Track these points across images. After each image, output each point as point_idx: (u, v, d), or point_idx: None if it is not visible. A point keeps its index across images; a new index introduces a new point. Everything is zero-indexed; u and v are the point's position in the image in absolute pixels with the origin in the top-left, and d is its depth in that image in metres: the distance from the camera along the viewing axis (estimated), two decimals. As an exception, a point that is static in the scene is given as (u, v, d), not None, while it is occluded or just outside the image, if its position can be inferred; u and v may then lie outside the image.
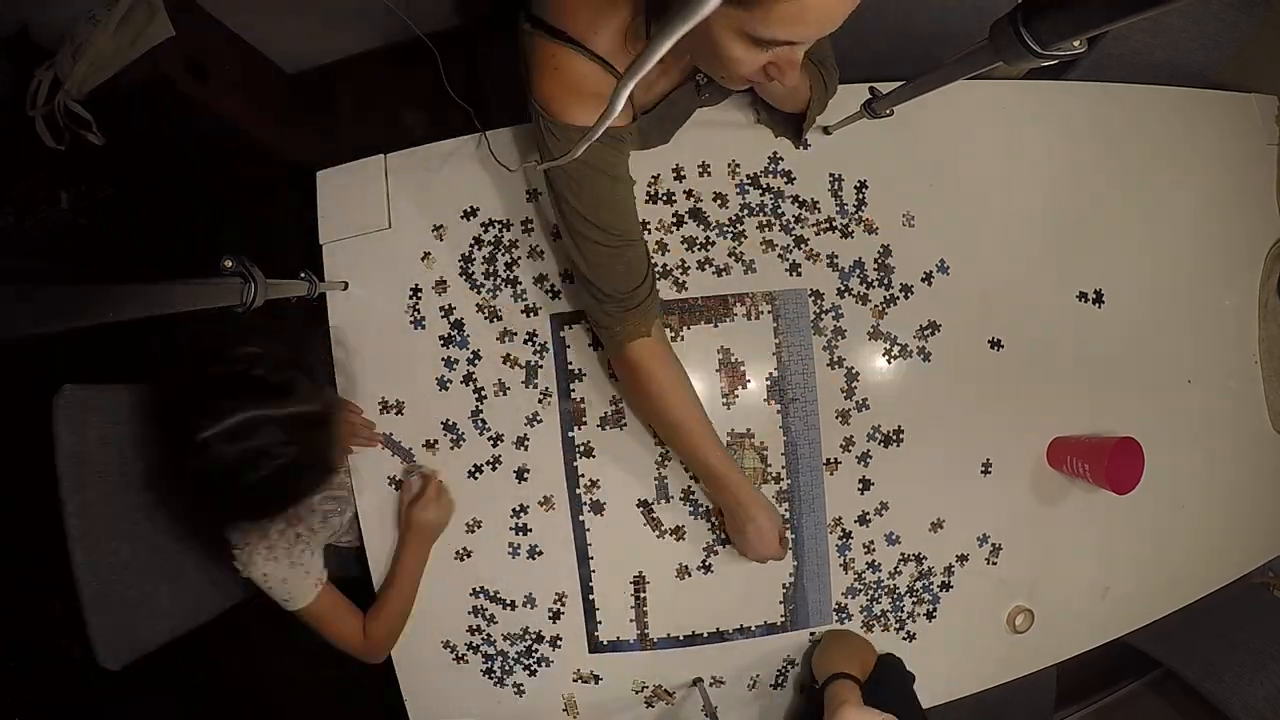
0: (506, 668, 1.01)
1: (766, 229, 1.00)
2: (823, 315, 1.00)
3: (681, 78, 0.86)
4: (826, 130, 1.00)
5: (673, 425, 0.88)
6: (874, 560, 1.02)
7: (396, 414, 0.99)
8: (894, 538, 1.02)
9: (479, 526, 0.99)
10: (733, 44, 0.60)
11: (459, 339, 0.99)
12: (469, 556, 0.99)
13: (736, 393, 1.00)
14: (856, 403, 1.00)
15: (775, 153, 1.00)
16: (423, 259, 0.99)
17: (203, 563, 0.98)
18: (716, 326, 0.99)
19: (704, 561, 1.00)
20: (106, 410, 0.90)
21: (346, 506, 1.00)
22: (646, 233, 0.99)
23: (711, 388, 0.99)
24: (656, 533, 1.00)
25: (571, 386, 0.99)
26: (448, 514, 0.98)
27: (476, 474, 0.99)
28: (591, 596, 1.00)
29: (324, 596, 0.93)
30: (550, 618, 1.00)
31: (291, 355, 0.80)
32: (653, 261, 0.90)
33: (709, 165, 0.99)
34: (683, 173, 0.99)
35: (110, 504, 0.88)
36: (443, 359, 0.99)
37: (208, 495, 0.78)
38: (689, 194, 0.99)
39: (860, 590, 1.02)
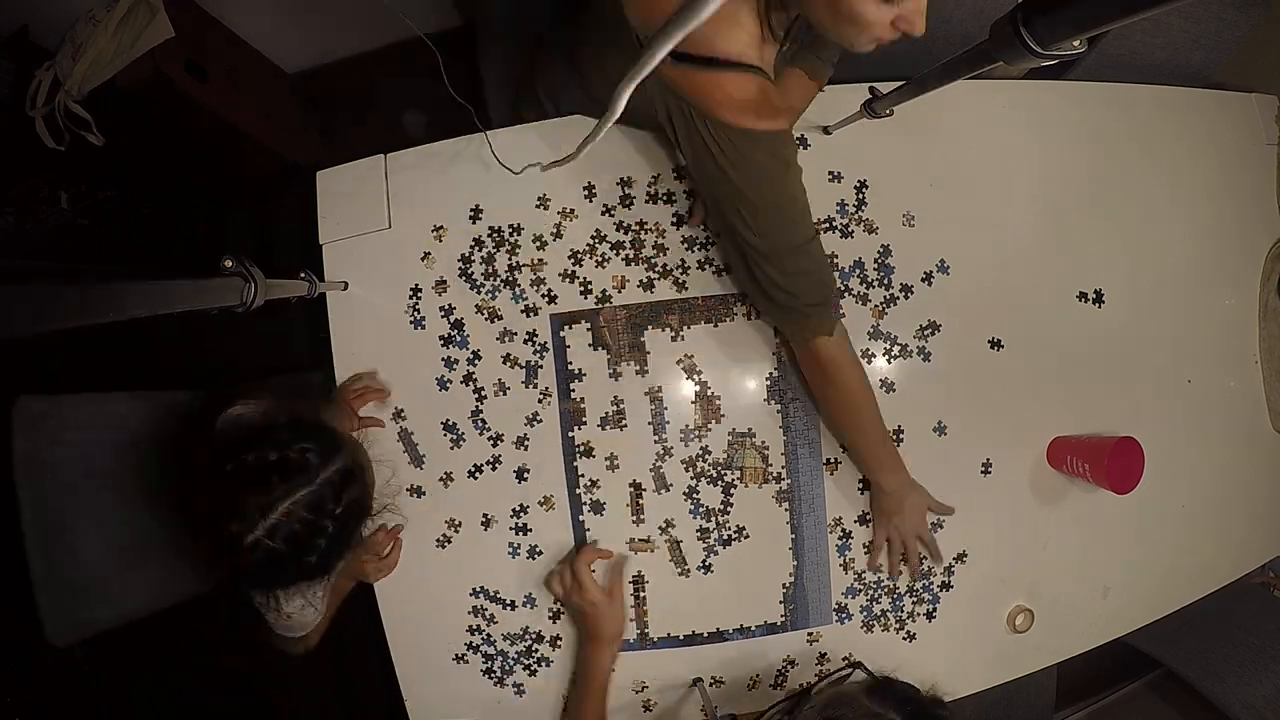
0: (506, 668, 1.01)
1: (766, 229, 1.00)
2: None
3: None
4: (826, 130, 1.00)
5: (853, 413, 0.92)
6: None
7: (398, 418, 0.99)
8: (894, 538, 1.02)
9: (479, 526, 0.99)
10: (865, 5, 0.62)
11: (459, 339, 0.99)
12: (469, 558, 0.99)
13: (734, 394, 1.00)
14: (856, 403, 1.00)
15: (775, 153, 1.00)
16: (423, 259, 0.99)
17: (162, 555, 1.01)
18: (716, 326, 0.99)
19: (704, 561, 1.00)
20: (61, 419, 0.96)
21: None
22: (647, 232, 0.99)
23: (712, 389, 1.00)
24: (656, 532, 1.00)
25: (571, 386, 0.99)
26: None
27: (476, 474, 0.99)
28: (591, 596, 1.00)
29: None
30: (550, 618, 1.00)
31: (293, 414, 0.78)
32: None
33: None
34: (683, 173, 0.99)
35: (63, 500, 0.95)
36: (443, 359, 0.99)
37: (271, 578, 0.78)
38: (689, 194, 0.99)
39: (860, 590, 1.02)
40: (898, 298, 1.01)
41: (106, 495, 0.97)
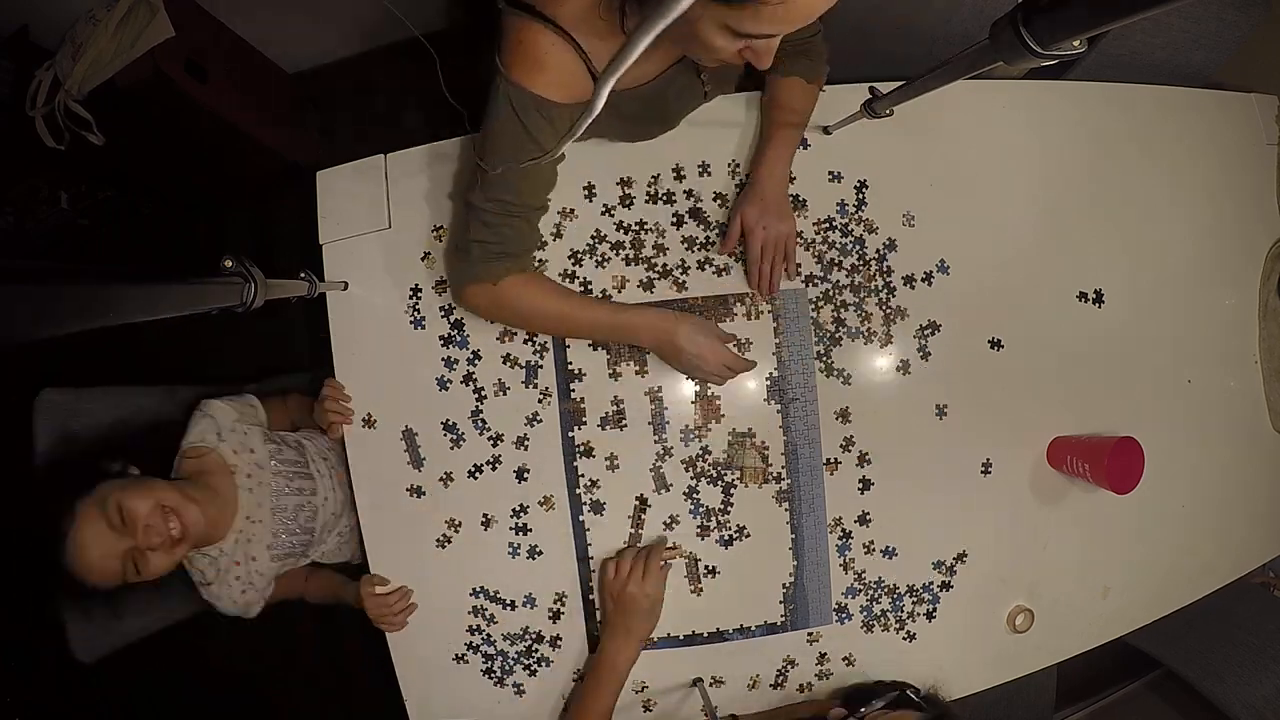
0: (506, 668, 1.01)
1: (766, 229, 1.00)
2: (822, 314, 1.00)
3: (672, 60, 0.86)
4: (826, 130, 1.00)
5: (557, 327, 0.93)
6: (874, 559, 1.02)
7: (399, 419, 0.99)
8: (894, 537, 1.01)
9: (479, 526, 0.99)
10: (714, 35, 0.63)
11: (459, 339, 0.99)
12: (469, 559, 0.99)
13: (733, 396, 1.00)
14: (857, 402, 1.00)
15: (775, 153, 1.00)
16: (423, 259, 0.99)
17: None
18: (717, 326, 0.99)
19: (705, 562, 1.00)
20: (84, 414, 0.97)
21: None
22: (647, 232, 0.99)
23: (712, 389, 0.99)
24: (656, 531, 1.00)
25: (571, 386, 0.99)
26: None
27: (476, 474, 0.99)
28: (591, 596, 1.00)
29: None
30: (550, 618, 1.00)
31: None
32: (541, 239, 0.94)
33: (709, 165, 1.00)
34: (683, 173, 0.99)
35: None
36: (443, 359, 0.99)
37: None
38: (689, 194, 0.99)
39: (860, 590, 1.02)
40: (897, 297, 1.01)
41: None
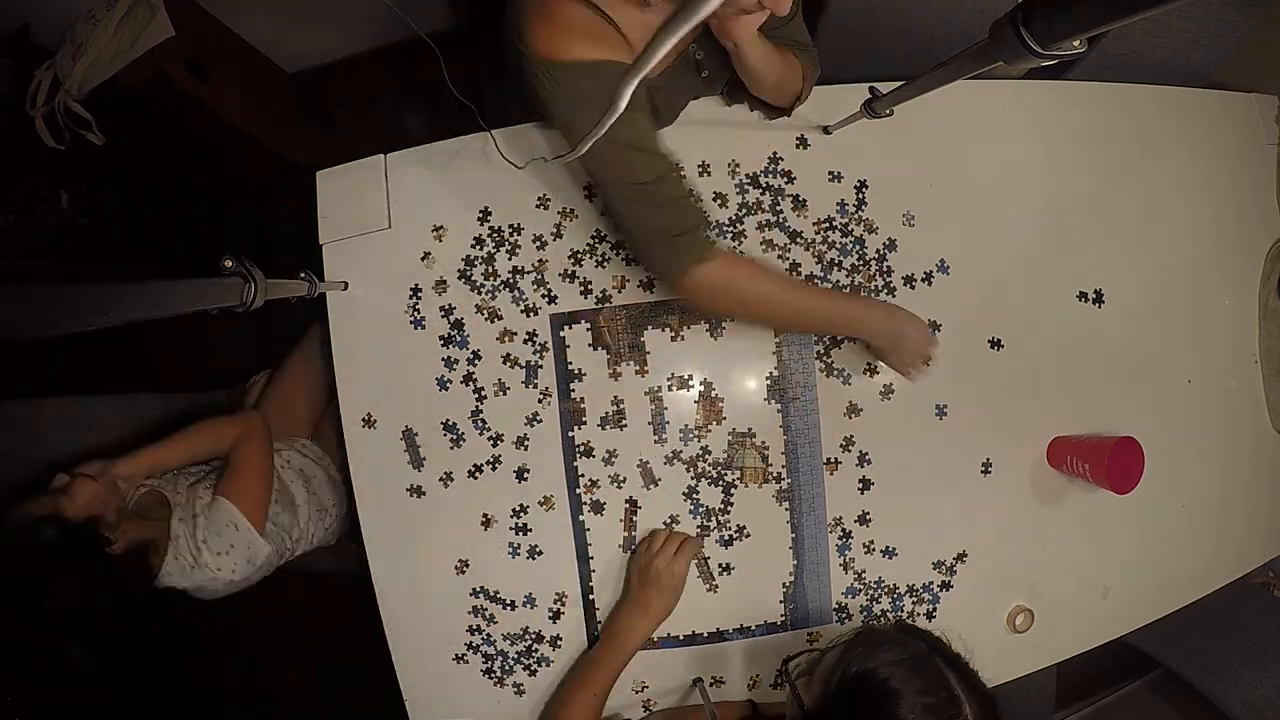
0: (506, 668, 1.01)
1: (766, 229, 1.00)
2: (823, 315, 1.00)
3: (676, 54, 0.86)
4: (826, 130, 1.00)
5: (774, 315, 0.89)
6: (874, 559, 1.02)
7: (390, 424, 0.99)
8: (894, 537, 1.01)
9: (479, 526, 0.99)
10: None
11: (459, 339, 0.99)
12: (469, 559, 0.99)
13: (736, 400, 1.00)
14: (857, 402, 1.00)
15: (775, 153, 1.00)
16: (423, 259, 0.99)
17: None
18: (717, 326, 0.99)
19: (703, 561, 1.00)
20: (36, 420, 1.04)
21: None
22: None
23: (712, 389, 1.00)
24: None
25: (571, 386, 0.99)
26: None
27: (476, 474, 0.99)
28: (591, 596, 1.00)
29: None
30: (550, 618, 1.00)
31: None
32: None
33: (709, 165, 1.00)
34: (682, 173, 0.99)
35: None
36: (443, 359, 0.99)
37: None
38: (689, 194, 0.99)
39: (860, 590, 1.02)
40: (898, 297, 1.01)
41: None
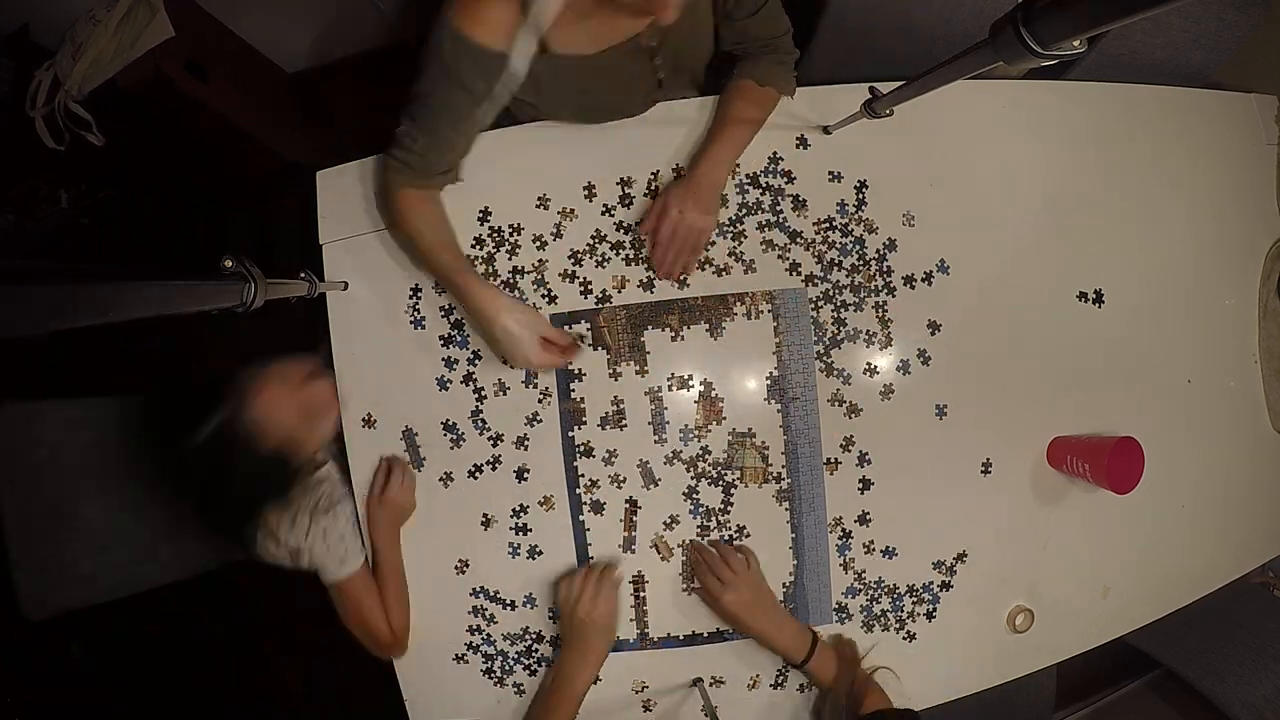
0: (506, 668, 1.01)
1: (766, 228, 1.00)
2: (822, 314, 1.00)
3: (621, 36, 0.87)
4: (826, 130, 1.00)
5: (422, 250, 0.92)
6: (874, 559, 1.02)
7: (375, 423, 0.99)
8: (894, 537, 1.02)
9: (479, 526, 0.99)
10: None
11: (459, 339, 0.99)
12: (469, 559, 0.99)
13: (735, 395, 1.00)
14: (857, 402, 1.00)
15: (775, 153, 1.00)
16: (423, 259, 0.99)
17: (131, 542, 1.10)
18: (717, 326, 0.99)
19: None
20: (44, 420, 1.06)
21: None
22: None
23: (712, 389, 1.00)
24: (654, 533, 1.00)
25: (571, 386, 0.99)
26: (412, 497, 0.99)
27: (476, 474, 0.99)
28: (591, 596, 1.00)
29: (364, 572, 0.96)
30: (550, 618, 1.00)
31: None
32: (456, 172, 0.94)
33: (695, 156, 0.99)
34: (683, 173, 0.99)
35: (41, 493, 1.05)
36: (443, 359, 0.99)
37: (206, 502, 0.89)
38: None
39: (860, 590, 1.02)
40: (898, 297, 1.01)
41: (81, 488, 1.08)
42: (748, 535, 1.00)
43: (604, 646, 0.94)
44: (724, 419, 1.00)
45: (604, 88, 0.92)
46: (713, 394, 0.99)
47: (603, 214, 0.99)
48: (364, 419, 0.99)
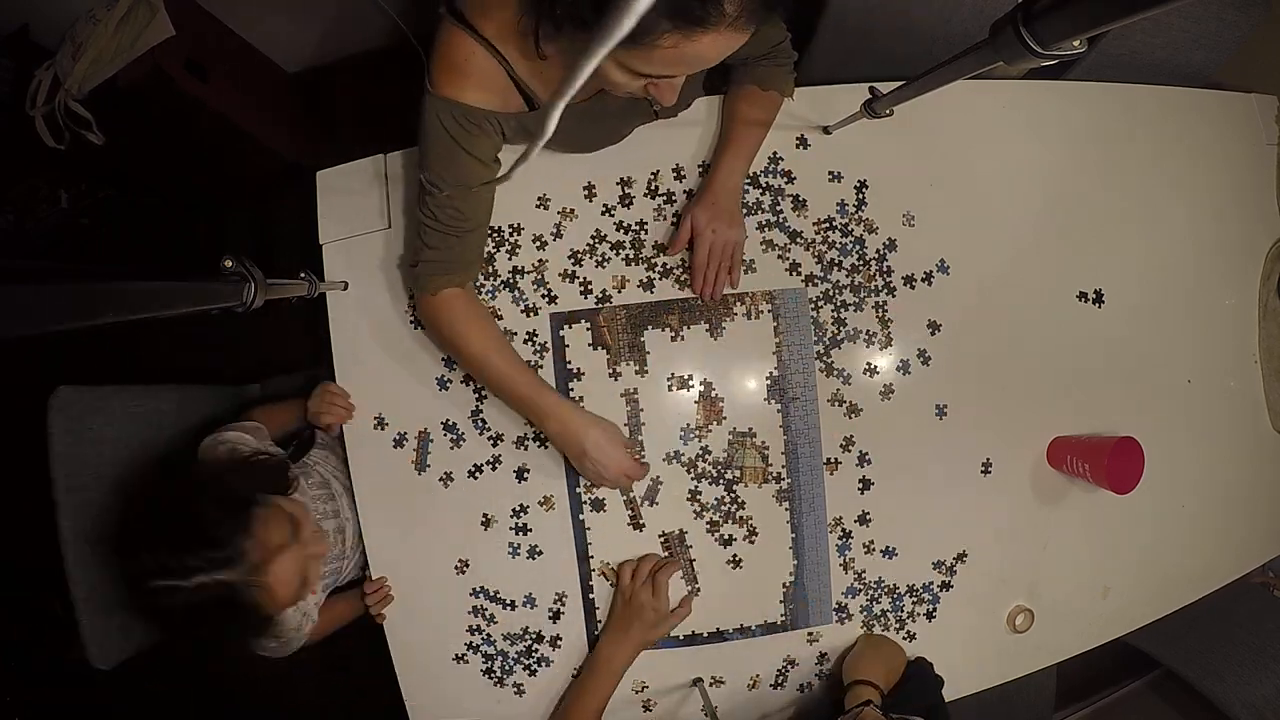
0: (506, 668, 1.01)
1: (766, 229, 1.00)
2: (822, 314, 1.00)
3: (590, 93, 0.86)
4: (826, 130, 1.00)
5: (477, 359, 0.90)
6: (874, 559, 1.02)
7: (382, 426, 0.99)
8: (894, 537, 1.02)
9: (479, 526, 0.99)
10: (614, 72, 0.65)
11: (459, 339, 0.99)
12: (469, 559, 0.99)
13: (735, 395, 1.00)
14: (857, 402, 1.00)
15: (775, 153, 1.00)
16: (423, 259, 0.99)
17: None
18: (717, 326, 0.99)
19: (705, 561, 1.00)
20: (101, 412, 0.93)
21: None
22: (647, 232, 0.99)
23: (712, 389, 1.00)
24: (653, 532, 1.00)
25: (571, 386, 0.99)
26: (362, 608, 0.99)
27: (476, 474, 0.99)
28: (591, 596, 1.00)
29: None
30: (550, 618, 1.00)
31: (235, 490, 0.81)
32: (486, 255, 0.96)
33: (708, 165, 0.99)
34: (683, 173, 0.99)
35: (104, 505, 0.91)
36: (443, 358, 0.99)
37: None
38: (689, 194, 0.99)
39: (860, 590, 1.02)
40: (898, 297, 1.01)
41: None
42: (748, 536, 1.00)
43: (647, 637, 0.96)
44: (724, 419, 1.00)
45: (598, 127, 0.92)
46: (713, 394, 0.99)
47: (603, 214, 0.99)
48: (375, 420, 0.99)
